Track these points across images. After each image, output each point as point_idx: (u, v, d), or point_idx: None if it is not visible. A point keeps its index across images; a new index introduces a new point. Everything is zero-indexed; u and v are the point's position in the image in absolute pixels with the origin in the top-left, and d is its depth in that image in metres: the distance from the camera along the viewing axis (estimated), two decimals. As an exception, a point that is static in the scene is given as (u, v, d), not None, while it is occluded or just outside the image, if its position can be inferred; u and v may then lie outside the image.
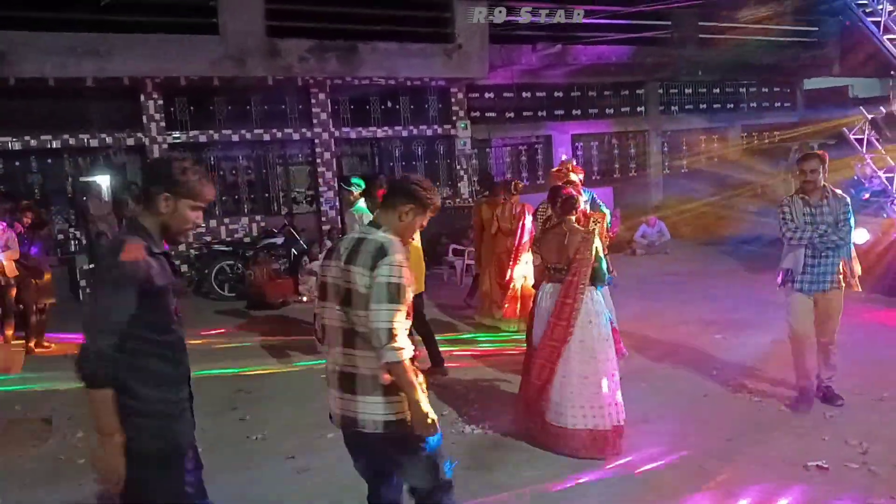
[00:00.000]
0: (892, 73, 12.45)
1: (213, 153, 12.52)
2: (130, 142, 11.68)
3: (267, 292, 10.14)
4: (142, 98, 11.57)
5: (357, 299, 2.79)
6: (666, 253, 12.98)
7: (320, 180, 13.11)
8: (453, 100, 14.17)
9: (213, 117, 12.29)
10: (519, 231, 8.00)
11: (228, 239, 12.05)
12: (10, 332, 7.88)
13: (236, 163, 12.85)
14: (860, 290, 5.36)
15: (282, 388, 6.50)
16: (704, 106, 18.09)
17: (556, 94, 15.76)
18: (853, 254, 5.25)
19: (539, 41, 13.77)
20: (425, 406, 2.79)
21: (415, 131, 14.01)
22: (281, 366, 7.22)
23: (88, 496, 4.47)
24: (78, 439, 5.42)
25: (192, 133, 12.07)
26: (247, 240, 12.06)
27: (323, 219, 13.12)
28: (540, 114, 15.60)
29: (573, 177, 6.36)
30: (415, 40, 12.56)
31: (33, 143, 11.06)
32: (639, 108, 17.05)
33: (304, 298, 10.39)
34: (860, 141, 9.93)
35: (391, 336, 2.71)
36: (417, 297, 6.03)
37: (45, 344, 8.25)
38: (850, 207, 5.11)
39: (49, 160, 11.67)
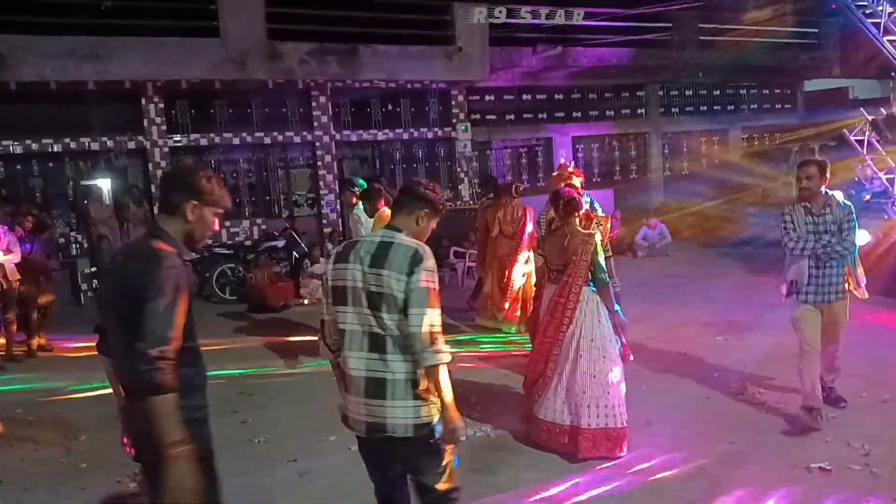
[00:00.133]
0: (892, 74, 12.47)
1: (214, 156, 12.55)
2: (131, 145, 11.71)
3: (268, 295, 10.14)
4: (143, 101, 11.60)
5: (390, 303, 2.78)
6: (667, 255, 12.97)
7: (321, 183, 13.12)
8: (454, 102, 14.18)
9: (214, 120, 12.32)
10: (520, 234, 8.02)
11: (229, 242, 12.06)
12: (13, 329, 7.90)
13: (237, 166, 12.87)
14: (867, 296, 5.32)
15: (283, 390, 6.50)
16: (705, 108, 18.12)
17: (556, 96, 15.78)
18: (858, 262, 5.13)
19: (539, 43, 13.79)
20: (454, 409, 2.83)
21: (415, 134, 14.03)
22: (283, 369, 7.21)
23: (90, 499, 4.47)
24: (80, 442, 5.43)
25: (192, 136, 12.09)
26: (248, 243, 12.05)
27: (324, 221, 13.13)
28: (540, 116, 15.62)
29: (574, 180, 6.36)
30: (415, 43, 12.58)
31: (34, 146, 11.07)
32: (639, 110, 17.07)
33: (306, 301, 10.40)
34: (860, 142, 9.94)
35: (433, 339, 2.75)
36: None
37: (47, 346, 8.25)
38: (853, 215, 4.97)
39: (50, 164, 11.70)
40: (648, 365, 6.40)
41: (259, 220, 12.75)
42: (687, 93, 17.75)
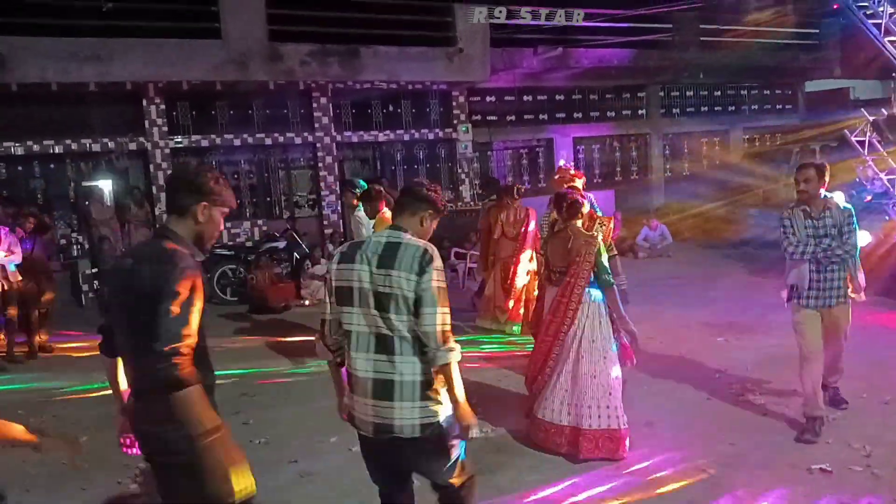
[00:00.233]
0: (893, 74, 12.47)
1: (215, 157, 12.54)
2: (132, 146, 11.71)
3: (269, 296, 10.14)
4: (144, 102, 11.61)
5: (399, 303, 2.79)
6: (668, 256, 12.97)
7: (322, 184, 13.13)
8: (454, 103, 14.19)
9: (216, 121, 12.32)
10: (522, 235, 8.03)
11: (230, 243, 12.06)
12: (14, 329, 7.92)
13: (238, 167, 12.88)
14: (864, 298, 5.29)
15: (284, 391, 6.51)
16: (706, 109, 18.11)
17: (557, 97, 15.78)
18: (858, 265, 5.08)
19: (540, 44, 13.79)
20: (466, 406, 2.88)
21: (416, 135, 14.03)
22: (284, 369, 7.22)
23: (91, 500, 4.47)
24: (82, 443, 5.41)
25: (194, 137, 12.10)
26: (249, 244, 12.06)
27: (325, 222, 13.13)
28: (541, 117, 15.62)
29: (576, 182, 6.36)
30: (416, 44, 12.58)
31: (36, 147, 11.08)
32: (640, 111, 17.06)
33: (307, 302, 10.40)
34: (861, 143, 9.94)
35: (445, 338, 2.79)
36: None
37: (48, 347, 8.26)
38: (854, 218, 4.90)
39: (51, 165, 11.70)
40: (649, 366, 6.39)
41: (260, 221, 12.76)
42: (688, 94, 17.75)
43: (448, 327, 2.81)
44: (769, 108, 19.23)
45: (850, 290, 5.03)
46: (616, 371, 4.72)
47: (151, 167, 11.80)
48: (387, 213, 6.13)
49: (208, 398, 2.57)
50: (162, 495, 2.72)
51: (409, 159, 14.35)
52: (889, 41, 10.36)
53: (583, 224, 5.14)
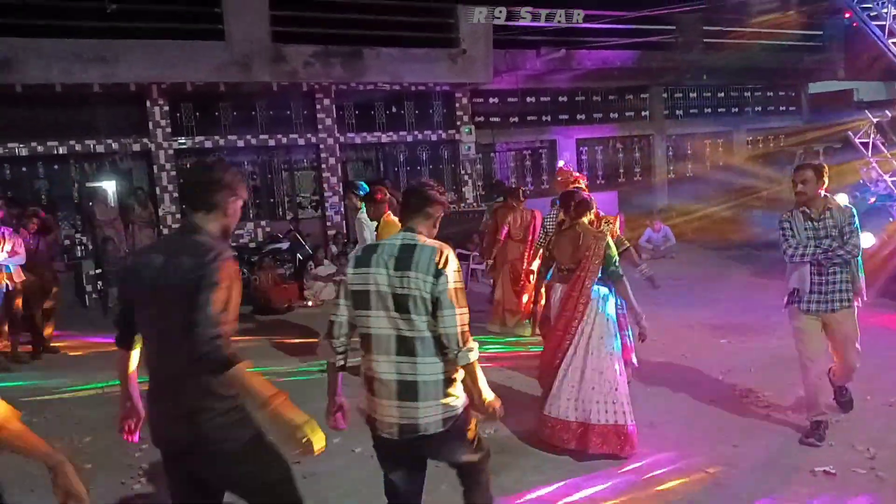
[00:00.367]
0: (897, 76, 12.45)
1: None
2: (136, 147, 11.73)
3: (272, 297, 10.16)
4: (147, 104, 11.63)
5: (417, 304, 2.82)
6: (671, 257, 12.96)
7: (325, 185, 13.14)
8: (458, 105, 14.19)
9: (219, 123, 12.34)
10: (530, 237, 8.05)
11: (234, 244, 12.06)
12: (18, 329, 7.94)
13: (242, 168, 12.87)
14: (861, 303, 5.21)
15: (288, 392, 6.49)
16: (709, 110, 18.09)
17: (560, 98, 15.78)
18: (861, 267, 4.94)
19: (543, 46, 13.79)
20: (490, 395, 2.98)
21: (419, 136, 14.04)
22: (286, 370, 7.22)
23: (95, 500, 4.46)
24: (86, 444, 5.43)
25: (197, 138, 12.12)
26: (252, 245, 12.08)
27: (328, 224, 13.14)
28: (544, 118, 15.62)
29: (580, 183, 6.37)
30: (419, 45, 12.59)
31: (40, 149, 11.11)
32: (643, 113, 17.05)
33: (310, 303, 10.42)
34: (865, 145, 9.93)
35: (465, 339, 2.84)
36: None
37: (54, 347, 8.28)
38: (855, 218, 4.71)
39: (55, 166, 11.73)
40: (652, 367, 6.40)
41: (263, 223, 12.77)
42: (691, 95, 17.73)
43: (467, 328, 2.87)
44: (773, 110, 19.21)
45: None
46: (621, 367, 4.77)
47: (155, 168, 11.83)
48: (391, 216, 6.12)
49: None
50: (170, 487, 2.75)
51: (413, 161, 14.35)
52: (893, 43, 10.35)
53: (590, 223, 5.19)
